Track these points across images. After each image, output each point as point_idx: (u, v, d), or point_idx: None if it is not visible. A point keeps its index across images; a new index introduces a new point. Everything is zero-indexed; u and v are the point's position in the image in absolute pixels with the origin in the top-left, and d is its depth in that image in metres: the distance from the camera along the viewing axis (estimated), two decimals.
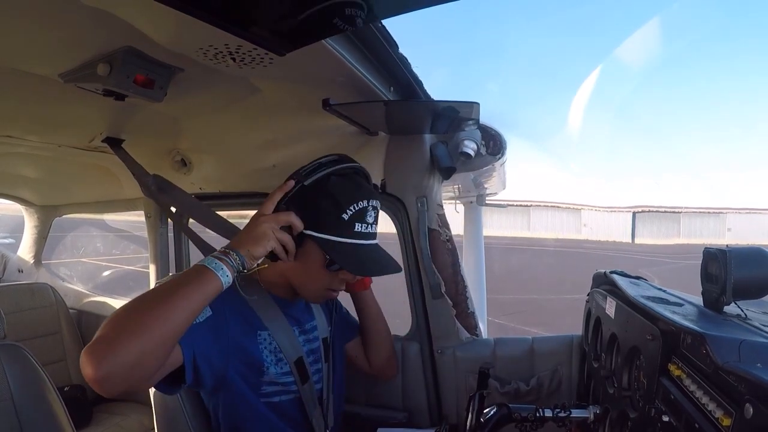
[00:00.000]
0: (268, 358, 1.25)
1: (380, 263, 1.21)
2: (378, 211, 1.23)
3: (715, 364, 0.84)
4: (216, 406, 1.26)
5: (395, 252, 1.79)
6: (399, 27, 1.20)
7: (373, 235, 1.22)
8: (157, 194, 1.68)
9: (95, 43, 1.07)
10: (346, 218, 1.15)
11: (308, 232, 1.16)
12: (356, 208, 1.16)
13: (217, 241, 1.47)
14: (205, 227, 1.71)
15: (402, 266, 1.63)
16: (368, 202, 1.19)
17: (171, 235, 2.41)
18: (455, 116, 1.55)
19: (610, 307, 1.36)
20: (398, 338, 1.82)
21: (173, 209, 2.18)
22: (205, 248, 1.77)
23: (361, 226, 1.18)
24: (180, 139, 1.90)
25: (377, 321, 1.57)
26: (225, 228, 1.66)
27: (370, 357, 1.58)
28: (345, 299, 1.57)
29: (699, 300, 1.15)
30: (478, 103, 1.42)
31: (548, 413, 1.35)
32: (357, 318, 1.59)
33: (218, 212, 1.73)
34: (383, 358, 1.59)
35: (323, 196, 1.16)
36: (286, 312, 1.32)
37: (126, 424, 2.44)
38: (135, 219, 3.55)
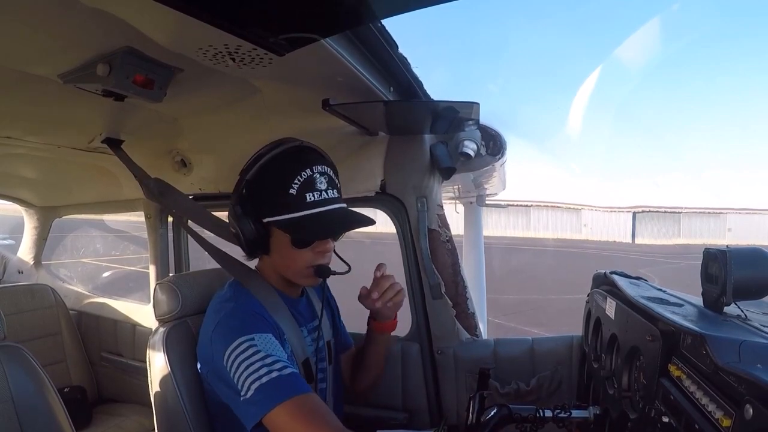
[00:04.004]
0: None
1: (344, 222, 1.23)
2: (329, 176, 1.21)
3: (715, 365, 0.83)
4: (220, 412, 1.25)
5: (395, 252, 1.80)
6: (399, 27, 1.20)
7: (334, 200, 1.20)
8: (159, 197, 1.67)
9: (94, 43, 1.07)
10: (294, 193, 1.15)
11: (266, 219, 1.19)
12: (301, 180, 1.16)
13: (219, 240, 1.47)
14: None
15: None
16: (312, 170, 1.17)
17: (171, 235, 2.41)
18: (455, 116, 1.55)
19: (610, 307, 1.36)
20: (398, 339, 1.81)
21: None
22: (208, 246, 1.74)
23: (313, 195, 1.17)
24: (179, 139, 1.90)
25: (381, 362, 1.55)
26: (227, 233, 1.62)
27: (356, 379, 1.56)
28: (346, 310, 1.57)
29: (699, 300, 1.15)
30: (478, 104, 1.42)
31: (548, 414, 1.35)
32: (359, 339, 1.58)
33: (218, 213, 1.73)
34: (367, 385, 1.58)
35: (268, 181, 1.19)
36: (293, 311, 1.32)
37: (126, 425, 2.44)
38: (135, 219, 3.54)
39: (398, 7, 0.88)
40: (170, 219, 2.38)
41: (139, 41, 1.03)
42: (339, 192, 1.24)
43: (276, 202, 1.17)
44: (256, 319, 1.19)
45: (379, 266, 1.41)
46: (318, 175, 1.18)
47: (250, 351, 1.11)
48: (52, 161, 2.15)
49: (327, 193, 1.19)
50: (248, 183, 1.20)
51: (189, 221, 1.72)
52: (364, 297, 1.41)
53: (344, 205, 1.25)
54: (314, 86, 1.31)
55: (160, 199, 1.68)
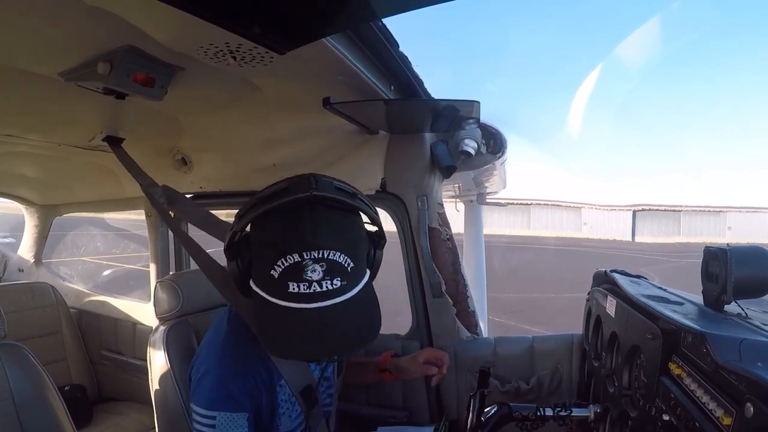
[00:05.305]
0: (282, 407, 1.20)
1: (315, 341, 0.93)
2: (330, 261, 0.91)
3: (716, 363, 0.84)
4: None
5: (396, 250, 1.80)
6: (399, 26, 1.20)
7: (323, 296, 0.91)
8: (167, 207, 1.58)
9: (96, 41, 1.07)
10: (275, 276, 0.91)
11: (251, 283, 0.99)
12: (285, 264, 0.90)
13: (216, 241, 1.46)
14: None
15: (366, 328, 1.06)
16: (305, 255, 0.90)
17: (171, 234, 2.40)
18: (455, 115, 1.55)
19: (611, 305, 1.36)
20: (399, 337, 1.82)
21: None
22: (209, 267, 1.66)
23: (298, 286, 0.90)
24: (180, 137, 1.90)
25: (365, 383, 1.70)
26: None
27: None
28: None
29: (699, 299, 1.15)
30: (478, 102, 1.42)
31: (549, 412, 1.35)
32: None
33: (218, 211, 1.72)
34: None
35: (254, 246, 0.98)
36: None
37: (126, 423, 2.44)
38: (135, 218, 3.55)
39: (399, 6, 0.87)
40: None
41: (139, 40, 1.03)
42: (349, 277, 0.94)
43: (259, 272, 0.96)
44: (230, 394, 1.11)
45: (445, 359, 1.48)
46: (311, 263, 0.90)
47: (207, 429, 1.10)
48: (53, 159, 2.14)
49: (321, 285, 0.91)
50: (235, 234, 0.99)
51: (189, 235, 1.60)
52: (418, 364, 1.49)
53: (348, 295, 0.94)
54: (315, 85, 1.31)
55: (166, 209, 1.60)
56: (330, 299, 0.92)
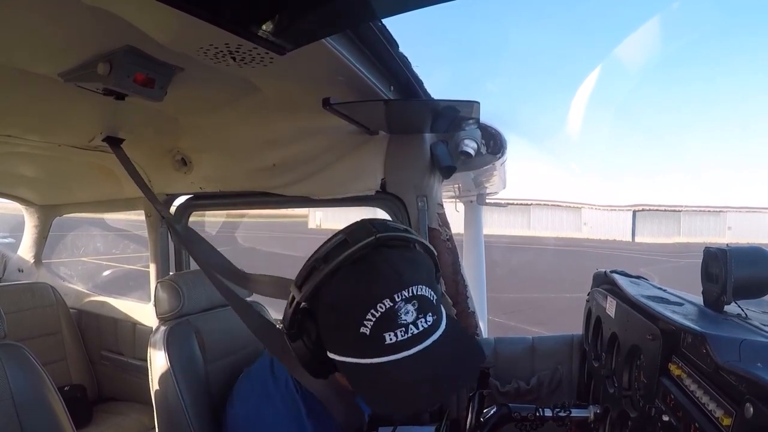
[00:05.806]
0: None
1: (426, 387, 0.87)
2: (419, 297, 0.87)
3: (716, 364, 0.84)
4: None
5: None
6: (399, 26, 1.20)
7: (421, 336, 0.86)
8: (185, 244, 1.58)
9: (95, 42, 1.07)
10: (367, 333, 0.84)
11: (331, 355, 0.91)
12: (377, 315, 0.84)
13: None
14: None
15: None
16: (396, 297, 0.85)
17: (170, 234, 2.40)
18: (455, 115, 1.55)
19: (611, 306, 1.36)
20: None
21: (172, 212, 2.19)
22: (200, 256, 1.58)
23: (395, 335, 0.84)
24: (180, 138, 1.90)
25: None
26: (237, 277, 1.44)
27: None
28: None
29: (699, 299, 1.15)
30: (478, 103, 1.42)
31: (548, 413, 1.35)
32: None
33: (218, 211, 1.72)
34: None
35: (329, 310, 0.89)
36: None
37: (126, 423, 2.45)
38: (135, 218, 3.55)
39: (399, 6, 0.87)
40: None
41: (139, 40, 1.03)
42: (437, 311, 0.91)
43: (343, 340, 0.89)
44: None
45: None
46: (402, 303, 0.85)
47: None
48: (53, 160, 2.14)
49: (417, 326, 0.86)
50: (297, 308, 0.91)
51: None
52: None
53: (441, 329, 0.91)
54: (315, 85, 1.31)
55: (187, 246, 1.58)
56: (429, 338, 0.88)
